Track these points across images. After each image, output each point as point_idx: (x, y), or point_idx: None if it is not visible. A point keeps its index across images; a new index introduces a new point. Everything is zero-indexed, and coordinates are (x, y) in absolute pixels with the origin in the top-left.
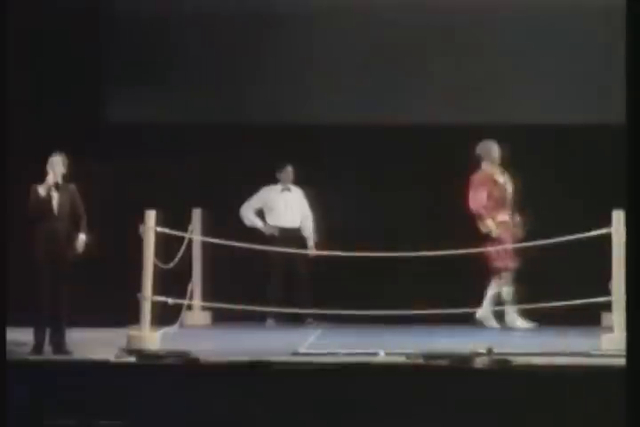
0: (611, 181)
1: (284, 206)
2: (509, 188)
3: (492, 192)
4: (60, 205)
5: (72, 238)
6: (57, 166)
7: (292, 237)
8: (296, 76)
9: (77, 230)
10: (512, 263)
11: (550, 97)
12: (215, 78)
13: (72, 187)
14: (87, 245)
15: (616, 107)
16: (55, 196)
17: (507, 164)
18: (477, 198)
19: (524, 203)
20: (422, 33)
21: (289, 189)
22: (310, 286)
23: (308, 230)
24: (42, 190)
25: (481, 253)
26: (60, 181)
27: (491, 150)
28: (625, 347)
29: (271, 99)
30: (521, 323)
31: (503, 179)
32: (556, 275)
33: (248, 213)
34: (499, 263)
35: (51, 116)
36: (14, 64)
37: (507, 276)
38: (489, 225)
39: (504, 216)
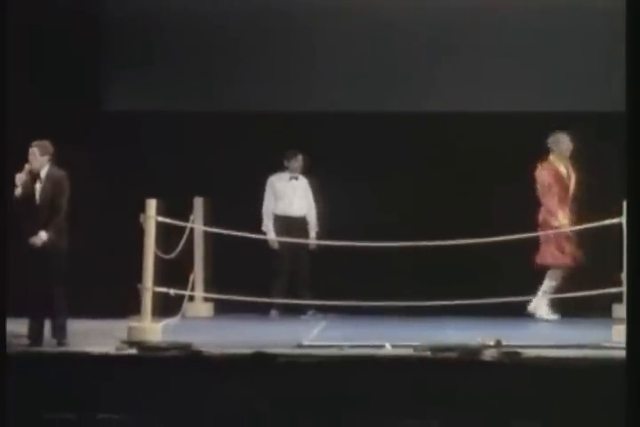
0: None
1: (292, 195)
2: (572, 181)
3: (559, 186)
4: (44, 192)
5: (60, 230)
6: (39, 155)
7: (298, 226)
8: (301, 64)
9: (47, 224)
10: (569, 259)
11: (551, 86)
12: (216, 66)
13: (59, 175)
14: (47, 242)
15: (616, 95)
16: (38, 185)
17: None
18: (549, 193)
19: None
20: (425, 20)
21: (297, 178)
22: (310, 276)
23: (312, 220)
24: (25, 179)
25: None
26: (44, 170)
27: (559, 143)
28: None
29: (273, 86)
30: (547, 314)
31: (567, 172)
32: None
33: (268, 221)
34: (559, 258)
35: (48, 105)
36: (13, 52)
37: (560, 270)
38: (560, 219)
39: (567, 210)
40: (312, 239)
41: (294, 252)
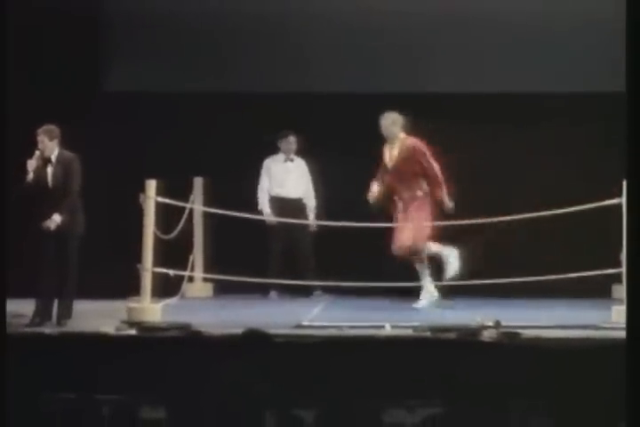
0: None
1: (287, 177)
2: (395, 164)
3: (380, 168)
4: (55, 176)
5: (73, 212)
6: (48, 140)
7: (294, 208)
8: (299, 43)
9: (60, 207)
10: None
11: (551, 66)
12: (216, 47)
13: (70, 157)
14: (60, 224)
15: (616, 75)
16: (49, 169)
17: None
18: None
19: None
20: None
21: (292, 160)
22: (312, 257)
23: (310, 202)
24: (36, 165)
25: None
26: (54, 154)
27: (381, 124)
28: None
29: (272, 67)
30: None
31: (390, 155)
32: (565, 246)
33: (264, 199)
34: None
35: (47, 87)
36: (13, 34)
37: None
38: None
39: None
40: (311, 221)
41: (290, 233)
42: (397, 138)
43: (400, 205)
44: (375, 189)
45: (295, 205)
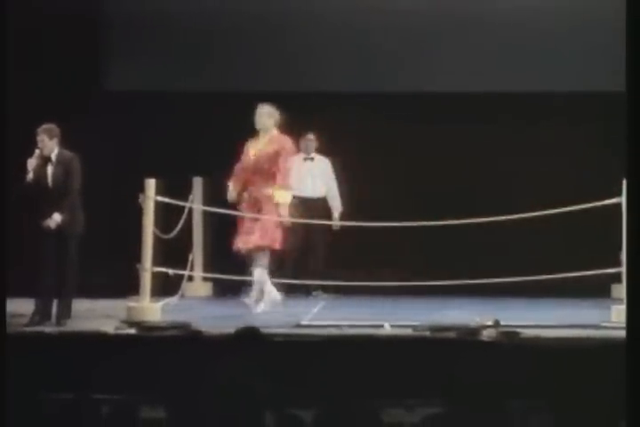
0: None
1: (305, 176)
2: (253, 157)
3: (240, 163)
4: (55, 175)
5: (73, 211)
6: (48, 139)
7: (314, 207)
8: (298, 42)
9: (61, 206)
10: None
11: (551, 65)
12: (216, 45)
13: (70, 157)
14: (61, 223)
15: (616, 74)
16: (49, 169)
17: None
18: None
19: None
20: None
21: (312, 159)
22: (323, 258)
23: (334, 201)
24: (36, 164)
25: None
26: (54, 153)
27: (255, 115)
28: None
29: (273, 67)
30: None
31: (257, 149)
32: (565, 246)
33: None
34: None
35: (47, 86)
36: (13, 34)
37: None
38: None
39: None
40: (336, 220)
41: (305, 234)
42: (269, 132)
43: (251, 202)
44: (232, 186)
45: (315, 204)
